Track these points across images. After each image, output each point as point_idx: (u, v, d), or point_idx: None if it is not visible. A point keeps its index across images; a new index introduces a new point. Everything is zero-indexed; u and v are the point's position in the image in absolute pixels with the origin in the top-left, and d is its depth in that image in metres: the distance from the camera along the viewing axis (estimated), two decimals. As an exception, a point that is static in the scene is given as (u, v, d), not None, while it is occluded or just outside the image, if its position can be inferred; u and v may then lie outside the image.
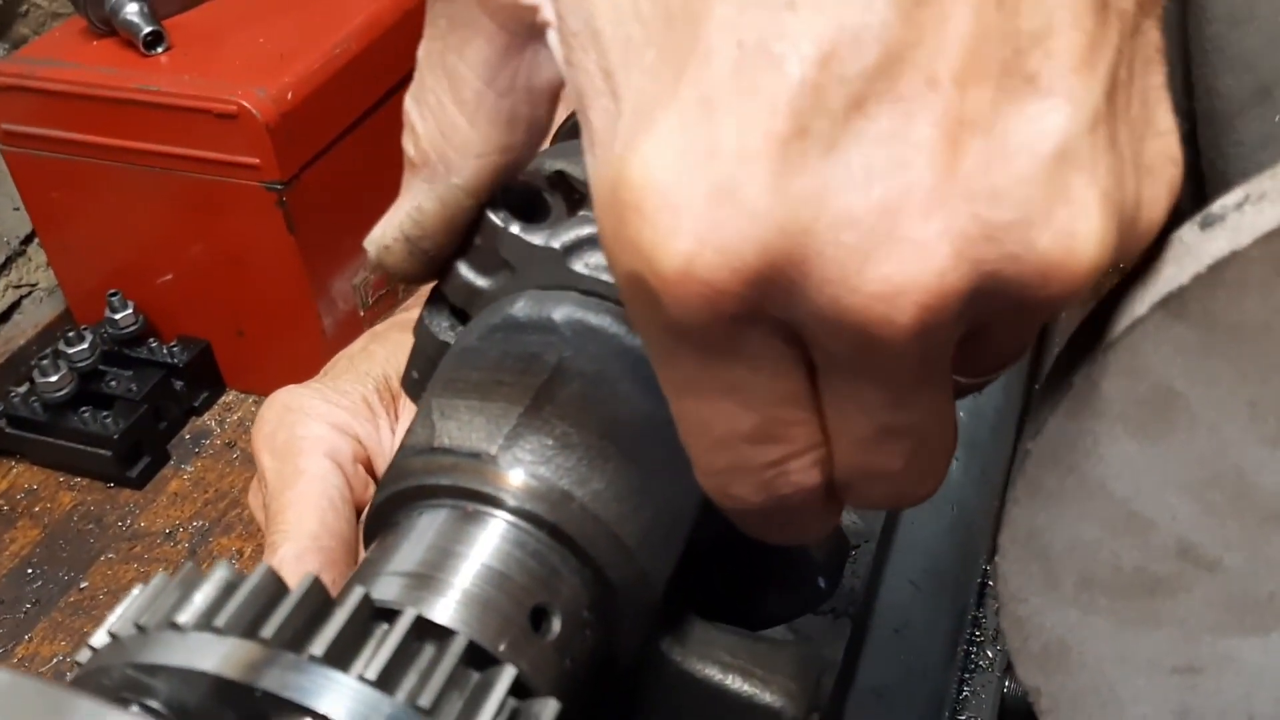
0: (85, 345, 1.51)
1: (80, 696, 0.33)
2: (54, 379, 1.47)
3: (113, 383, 1.53)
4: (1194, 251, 0.36)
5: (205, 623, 0.34)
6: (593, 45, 0.32)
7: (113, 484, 1.51)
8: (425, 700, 0.33)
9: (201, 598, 0.35)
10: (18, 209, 1.67)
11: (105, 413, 1.49)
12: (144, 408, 1.50)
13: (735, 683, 0.49)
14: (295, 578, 0.56)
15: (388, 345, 0.69)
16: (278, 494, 0.60)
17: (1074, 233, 0.31)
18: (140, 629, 0.35)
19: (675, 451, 0.45)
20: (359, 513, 0.61)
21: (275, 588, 0.35)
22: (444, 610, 0.42)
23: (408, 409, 0.66)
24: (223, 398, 1.64)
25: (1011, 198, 0.30)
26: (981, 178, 0.30)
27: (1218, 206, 0.37)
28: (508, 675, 0.36)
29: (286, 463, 0.61)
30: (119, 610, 0.37)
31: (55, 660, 1.28)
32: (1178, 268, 0.36)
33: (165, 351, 1.58)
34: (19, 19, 1.77)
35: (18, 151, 1.50)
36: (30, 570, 1.40)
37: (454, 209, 0.43)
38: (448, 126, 0.41)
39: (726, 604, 0.59)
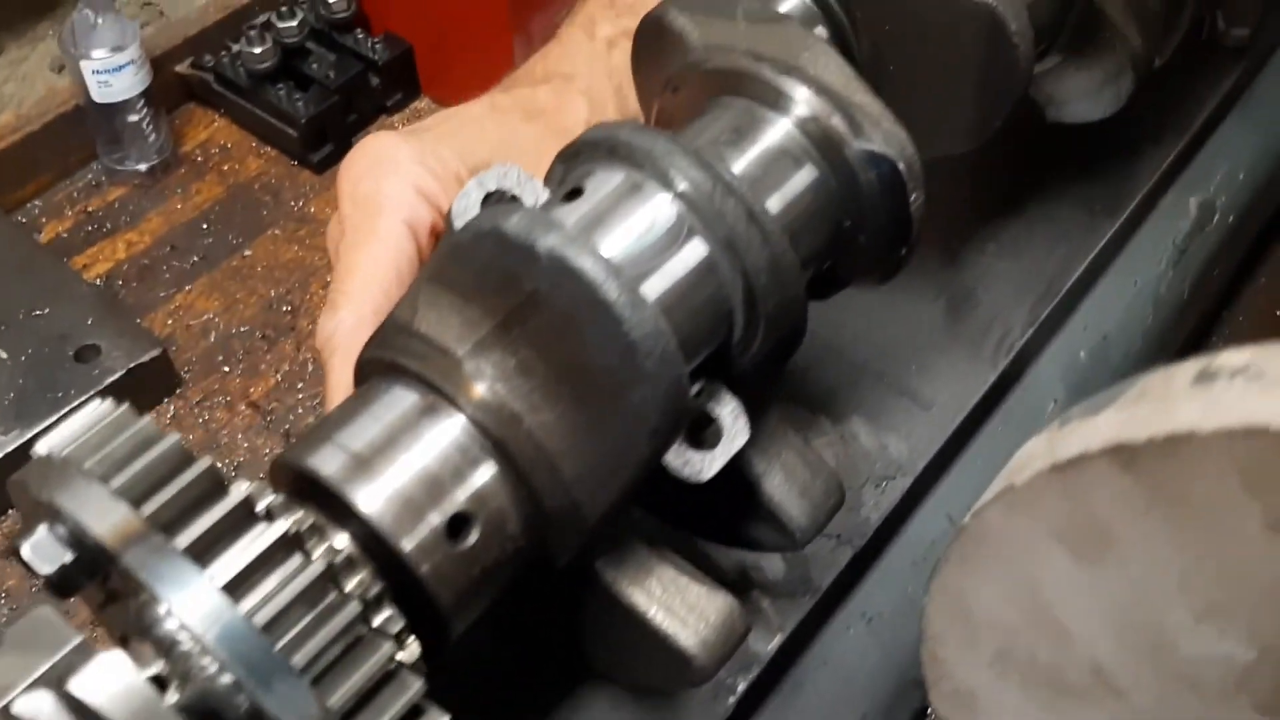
0: (295, 22, 1.55)
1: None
2: (258, 50, 1.52)
3: (314, 65, 1.58)
4: (1168, 410, 0.32)
5: (107, 477, 0.37)
6: None
7: (296, 163, 1.58)
8: (264, 615, 0.35)
9: (117, 447, 0.38)
10: None
11: (300, 94, 1.54)
12: (336, 97, 1.55)
13: (657, 616, 0.50)
14: (347, 348, 0.58)
15: (503, 128, 0.66)
16: (350, 249, 0.59)
17: None
18: (62, 462, 0.38)
19: (628, 409, 0.44)
20: None
21: (178, 459, 0.38)
22: (368, 498, 0.43)
23: None
24: (415, 103, 1.67)
25: None
26: None
27: (1217, 364, 0.32)
28: (351, 610, 0.37)
29: (365, 217, 0.60)
30: (63, 429, 0.40)
31: (205, 317, 1.39)
32: (1143, 420, 0.33)
33: (369, 45, 1.61)
34: None
35: None
36: (205, 225, 1.51)
37: None
38: None
39: (714, 519, 0.60)
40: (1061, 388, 0.87)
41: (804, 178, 0.56)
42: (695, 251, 0.46)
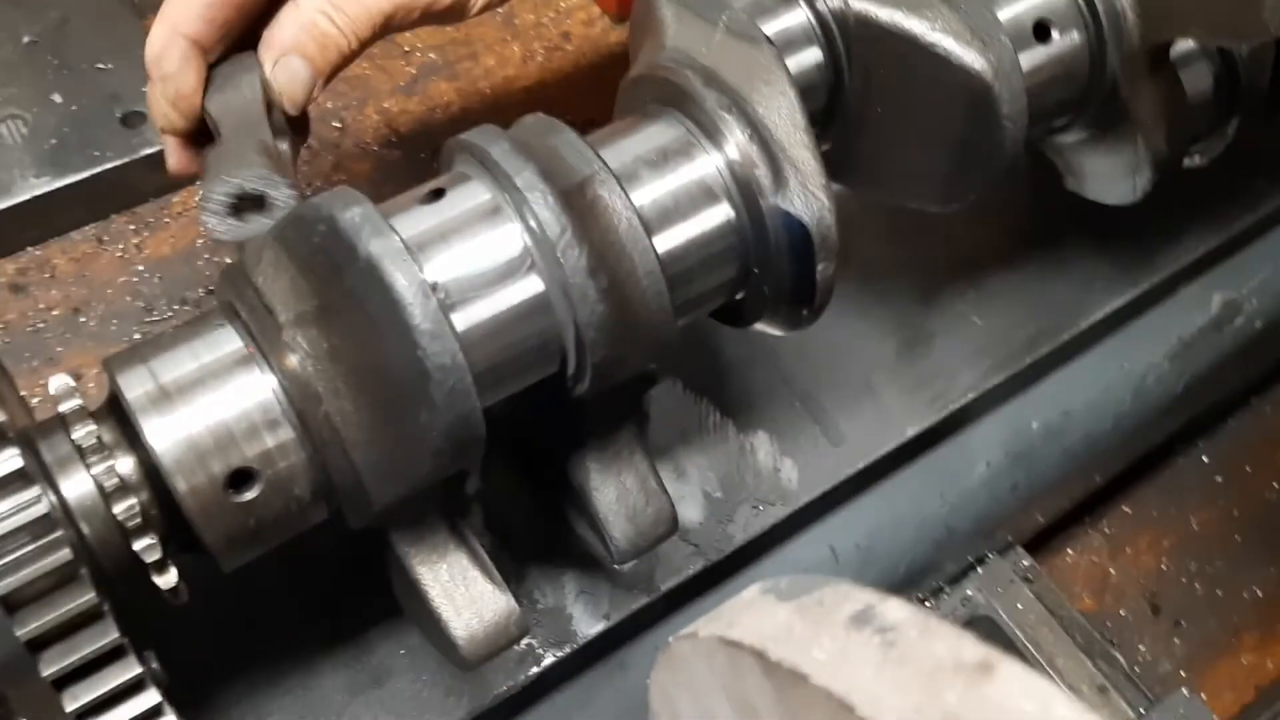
0: None
1: None
2: None
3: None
4: (812, 639, 0.32)
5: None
6: None
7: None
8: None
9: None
10: None
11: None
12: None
13: (436, 599, 0.52)
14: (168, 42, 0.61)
15: None
16: None
17: None
18: None
19: (416, 425, 0.45)
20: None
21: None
22: (159, 432, 0.45)
23: None
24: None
25: None
26: None
27: (878, 610, 0.32)
28: (64, 555, 0.39)
29: None
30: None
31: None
32: (791, 641, 0.33)
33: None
34: None
35: None
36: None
37: None
38: None
39: (560, 509, 0.61)
40: (1000, 452, 0.85)
41: (715, 215, 0.54)
42: (530, 288, 0.46)
